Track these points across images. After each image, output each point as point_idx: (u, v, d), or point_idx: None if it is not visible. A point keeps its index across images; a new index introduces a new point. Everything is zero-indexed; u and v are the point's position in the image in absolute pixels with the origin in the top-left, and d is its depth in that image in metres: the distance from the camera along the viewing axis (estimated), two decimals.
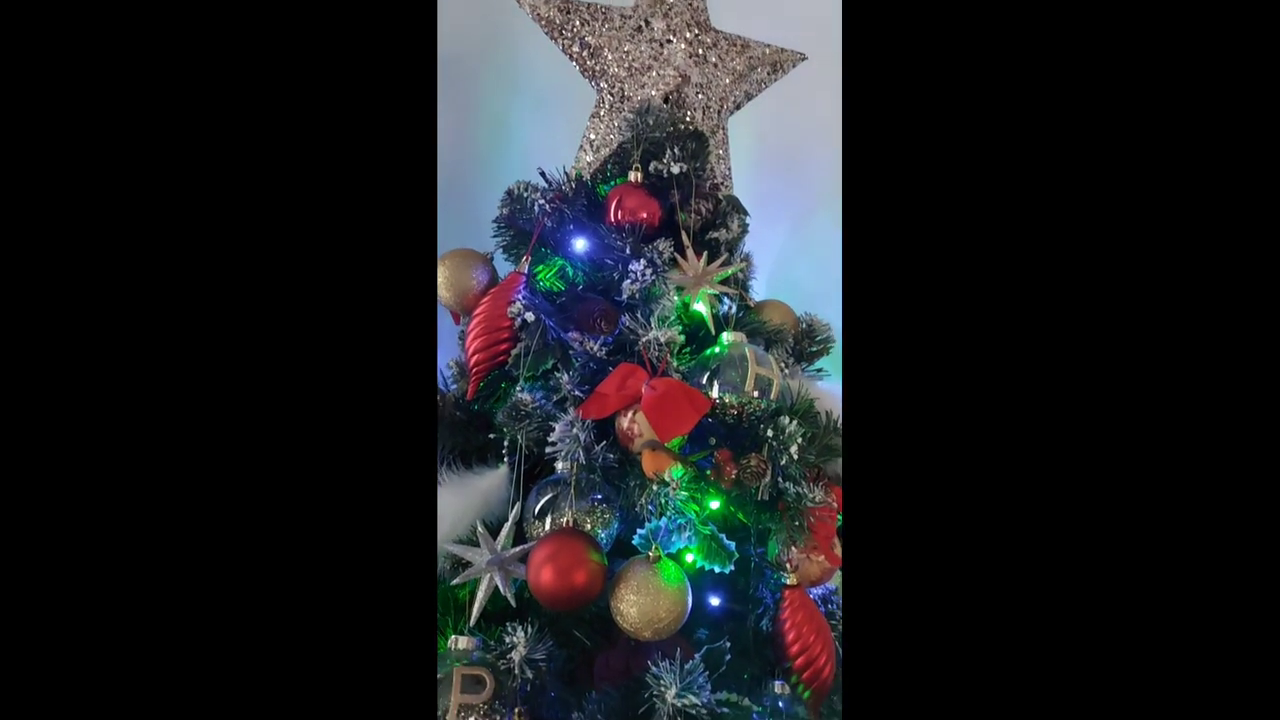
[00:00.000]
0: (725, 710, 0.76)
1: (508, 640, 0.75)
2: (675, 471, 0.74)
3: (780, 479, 0.79)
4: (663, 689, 0.70)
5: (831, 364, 1.01)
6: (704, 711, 0.70)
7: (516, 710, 0.77)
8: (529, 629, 0.75)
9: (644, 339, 0.83)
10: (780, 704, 0.87)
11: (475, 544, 0.79)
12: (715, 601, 0.85)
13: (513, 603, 0.78)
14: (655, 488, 0.74)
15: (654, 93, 1.01)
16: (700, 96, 1.05)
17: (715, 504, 0.81)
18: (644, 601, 0.72)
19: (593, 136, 1.04)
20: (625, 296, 0.88)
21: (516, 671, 0.75)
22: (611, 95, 1.04)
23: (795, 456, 0.78)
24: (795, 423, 0.79)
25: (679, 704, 0.69)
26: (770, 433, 0.79)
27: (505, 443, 0.87)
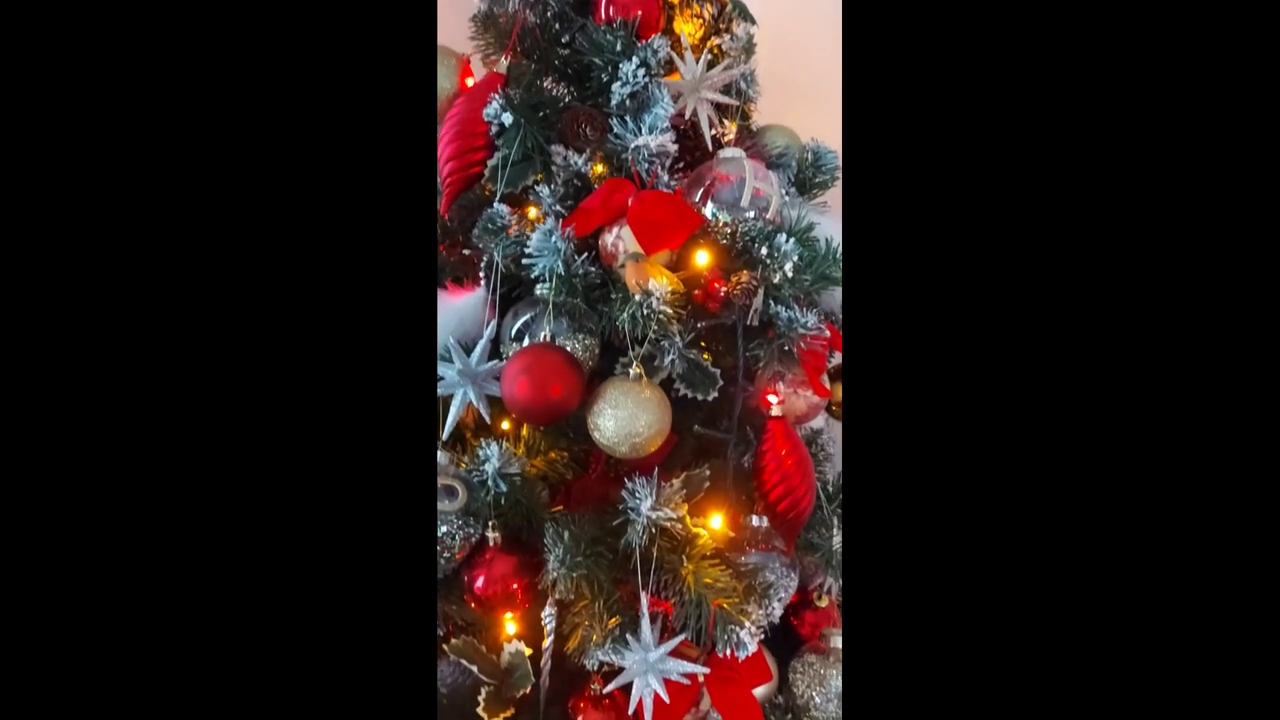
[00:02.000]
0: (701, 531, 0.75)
1: (481, 454, 0.73)
2: (659, 282, 0.69)
3: (772, 303, 0.74)
4: (637, 501, 0.69)
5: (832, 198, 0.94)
6: (679, 525, 0.69)
7: (489, 523, 0.76)
8: (502, 443, 0.73)
9: (633, 144, 0.75)
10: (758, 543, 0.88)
11: (448, 360, 0.75)
12: (696, 429, 0.82)
13: (487, 418, 0.76)
14: (638, 299, 0.69)
15: None
16: None
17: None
18: (622, 415, 0.70)
19: None
20: (615, 101, 0.79)
21: (490, 484, 0.73)
22: None
23: (790, 276, 0.73)
24: (792, 242, 0.73)
25: (654, 516, 0.67)
26: (764, 251, 0.73)
27: (482, 261, 0.82)
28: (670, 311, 0.70)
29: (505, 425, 0.82)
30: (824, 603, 0.98)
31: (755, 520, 0.88)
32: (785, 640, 0.97)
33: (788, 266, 0.72)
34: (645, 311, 0.68)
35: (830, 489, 0.95)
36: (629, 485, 0.70)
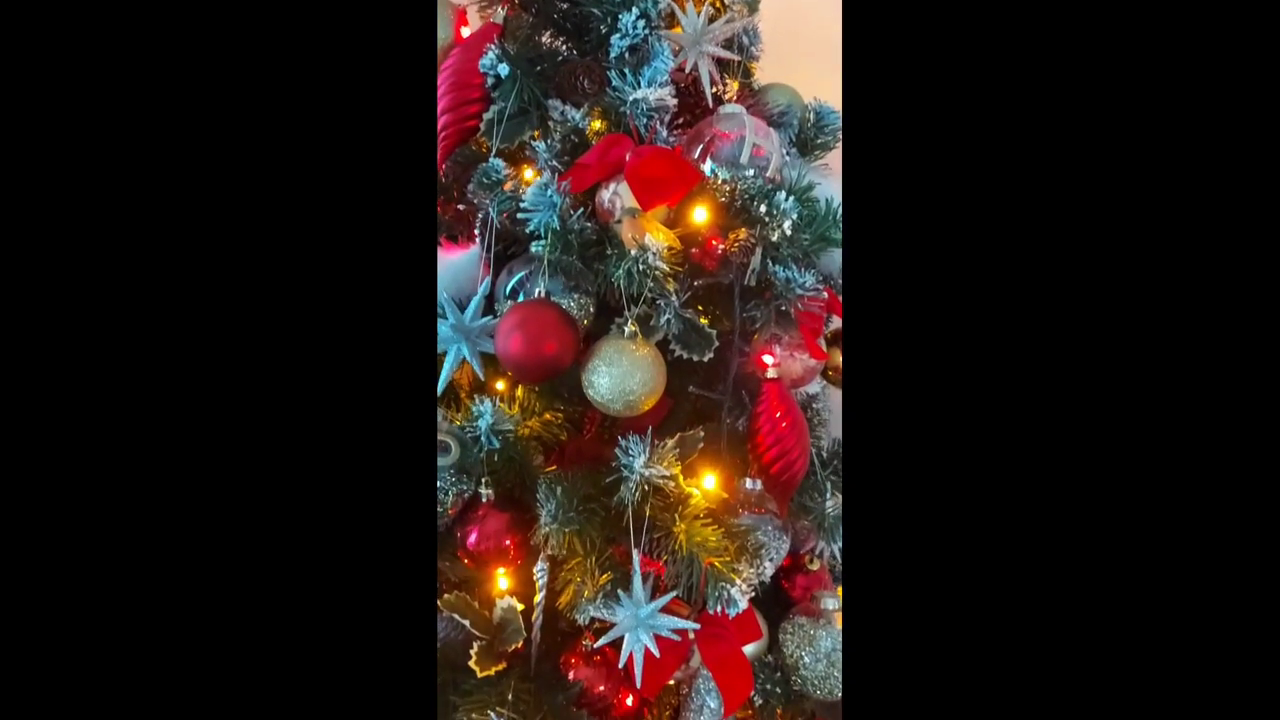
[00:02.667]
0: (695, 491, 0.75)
1: (474, 409, 0.73)
2: (656, 238, 0.68)
3: (770, 262, 0.73)
4: (631, 459, 0.68)
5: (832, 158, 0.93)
6: (672, 485, 0.69)
7: (483, 480, 0.76)
8: (496, 401, 0.72)
9: (631, 98, 0.73)
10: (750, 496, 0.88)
11: (442, 316, 0.74)
12: (692, 389, 0.82)
13: (480, 375, 0.75)
14: (634, 254, 0.68)
15: None
16: None
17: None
18: (616, 372, 0.69)
19: None
20: (614, 54, 0.77)
21: (484, 440, 0.73)
22: None
23: (788, 234, 0.72)
24: (791, 200, 0.72)
25: (647, 473, 0.67)
26: (763, 209, 0.72)
27: (477, 217, 0.81)
28: (666, 268, 0.69)
29: (501, 386, 0.81)
30: (815, 566, 0.98)
31: (749, 483, 0.88)
32: (776, 603, 0.98)
33: (786, 225, 0.71)
34: (641, 268, 0.67)
35: (825, 454, 0.95)
36: (623, 443, 0.70)
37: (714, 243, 0.72)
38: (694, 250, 0.74)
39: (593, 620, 0.74)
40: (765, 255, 0.73)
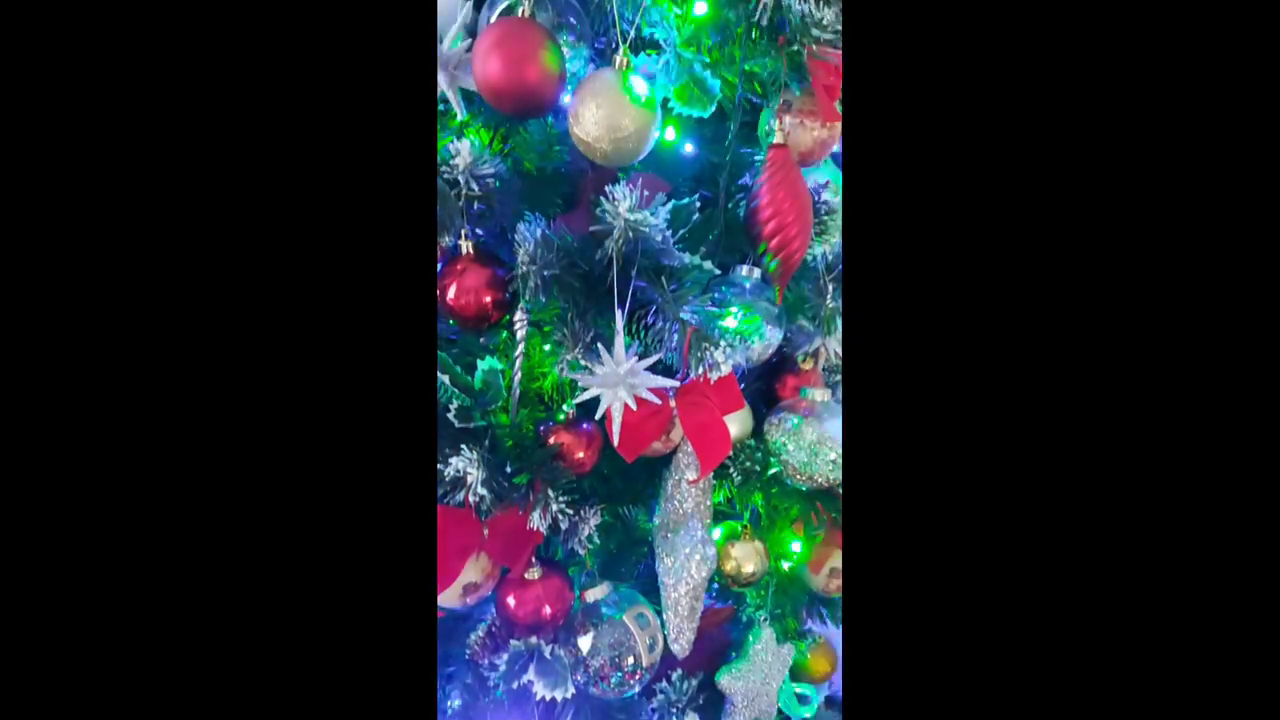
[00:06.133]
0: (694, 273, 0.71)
1: (450, 148, 0.67)
2: None
3: None
4: (615, 205, 0.63)
5: None
6: (656, 232, 0.64)
7: (461, 232, 0.72)
8: (475, 140, 0.67)
9: None
10: (745, 285, 0.84)
11: None
12: (690, 149, 0.76)
13: (460, 113, 0.69)
14: None
15: None
16: None
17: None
18: (606, 106, 0.63)
19: None
20: None
21: (462, 184, 0.68)
22: None
23: None
24: None
25: (631, 218, 0.63)
26: None
27: None
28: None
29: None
30: (807, 365, 0.96)
31: (743, 270, 0.84)
32: (765, 403, 0.97)
33: None
34: None
35: (830, 258, 0.90)
36: (608, 189, 0.65)
37: None
38: None
39: (574, 388, 0.73)
40: None
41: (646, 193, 0.66)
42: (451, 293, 0.72)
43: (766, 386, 0.98)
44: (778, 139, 0.74)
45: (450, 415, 0.72)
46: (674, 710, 0.86)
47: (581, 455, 0.78)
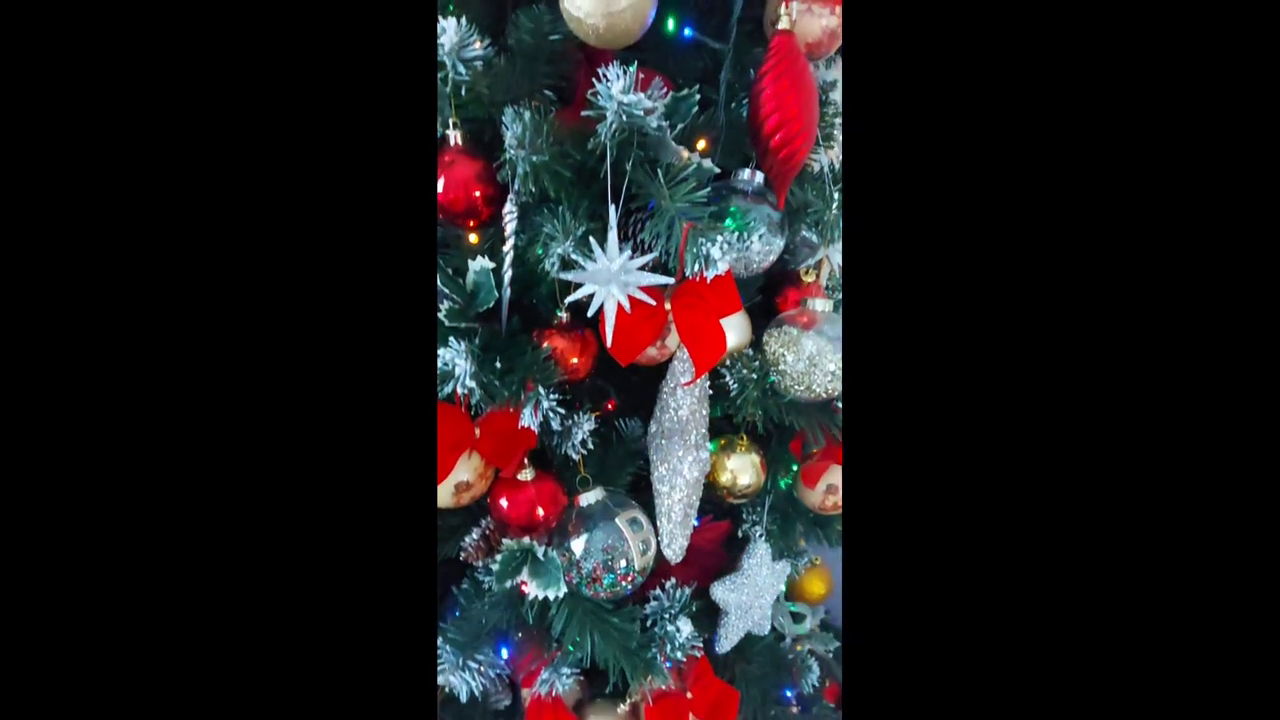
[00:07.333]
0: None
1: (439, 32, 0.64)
2: None
3: None
4: (608, 87, 0.60)
5: None
6: (652, 120, 0.61)
7: (449, 121, 0.69)
8: (460, 20, 0.63)
9: None
10: (746, 188, 0.81)
11: None
12: (687, 33, 0.72)
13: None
14: None
15: None
16: None
17: None
18: None
19: None
20: None
21: (449, 67, 0.65)
22: None
23: None
24: None
25: (625, 101, 0.60)
26: None
27: None
28: None
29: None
30: (810, 278, 0.94)
31: (743, 175, 0.81)
32: (764, 315, 0.95)
33: None
34: None
35: (837, 168, 0.87)
36: (600, 71, 0.62)
37: None
38: None
39: (567, 287, 0.71)
40: None
41: (642, 76, 0.62)
42: (440, 186, 0.70)
43: (766, 300, 0.96)
44: (784, 25, 0.70)
45: (441, 315, 0.71)
46: (667, 616, 0.87)
47: (576, 360, 0.77)
